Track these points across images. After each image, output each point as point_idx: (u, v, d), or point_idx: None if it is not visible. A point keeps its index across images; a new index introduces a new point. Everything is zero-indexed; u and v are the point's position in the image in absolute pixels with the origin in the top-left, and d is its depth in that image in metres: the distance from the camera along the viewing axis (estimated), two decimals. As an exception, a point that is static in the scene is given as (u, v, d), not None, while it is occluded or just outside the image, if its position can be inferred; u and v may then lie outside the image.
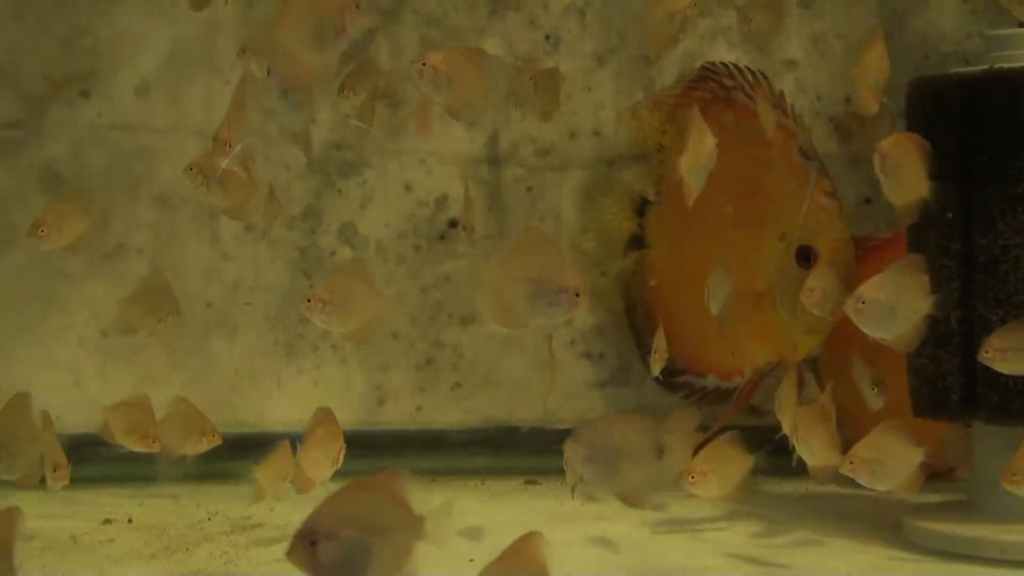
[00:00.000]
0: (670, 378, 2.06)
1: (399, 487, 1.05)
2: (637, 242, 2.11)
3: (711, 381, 2.03)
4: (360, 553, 0.98)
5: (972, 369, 1.61)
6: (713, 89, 2.00)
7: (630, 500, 1.38)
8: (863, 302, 1.51)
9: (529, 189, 2.18)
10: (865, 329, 1.51)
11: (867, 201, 2.11)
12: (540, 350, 2.17)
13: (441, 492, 1.97)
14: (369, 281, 1.66)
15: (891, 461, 1.54)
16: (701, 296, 1.91)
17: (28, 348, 2.07)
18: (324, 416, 1.66)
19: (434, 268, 2.17)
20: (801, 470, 1.65)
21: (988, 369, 1.59)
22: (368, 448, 2.12)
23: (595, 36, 2.17)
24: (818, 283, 1.67)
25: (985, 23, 2.12)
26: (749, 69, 1.98)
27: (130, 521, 1.79)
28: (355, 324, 1.63)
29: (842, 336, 1.86)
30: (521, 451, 2.14)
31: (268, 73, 1.67)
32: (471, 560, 1.56)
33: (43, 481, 1.65)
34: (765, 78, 1.95)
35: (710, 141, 1.66)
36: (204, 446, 1.76)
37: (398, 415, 2.15)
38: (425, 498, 1.07)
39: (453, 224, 2.16)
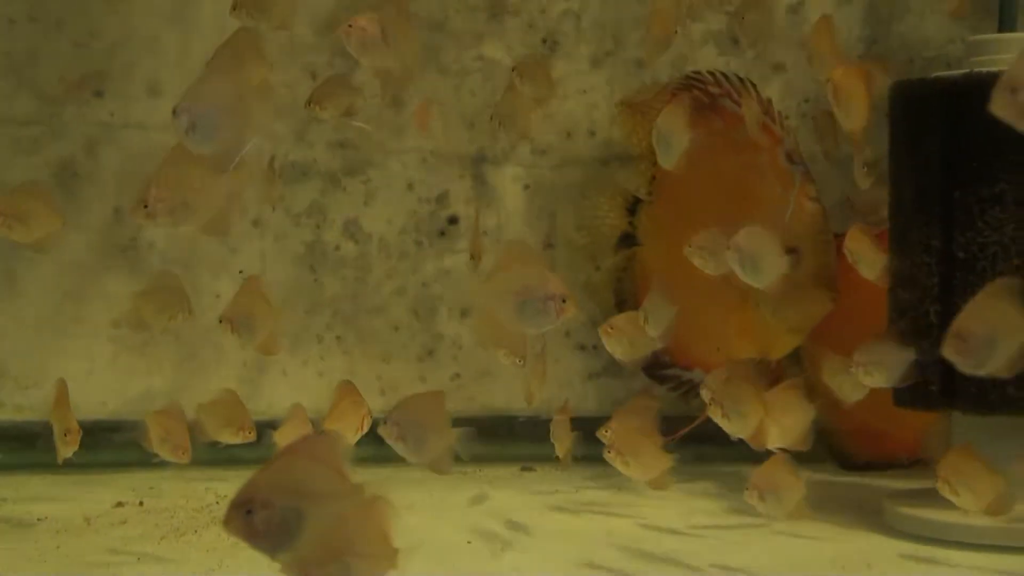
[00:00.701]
0: (658, 371, 2.07)
1: (335, 453, 1.01)
2: (628, 240, 2.11)
3: (697, 375, 2.02)
4: (295, 520, 0.96)
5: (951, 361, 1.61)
6: (699, 96, 2.00)
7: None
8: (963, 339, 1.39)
9: (526, 187, 2.17)
10: (966, 369, 1.41)
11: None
12: (534, 344, 2.17)
13: (440, 478, 1.99)
14: (266, 299, 1.73)
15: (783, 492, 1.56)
16: (689, 293, 1.91)
17: (45, 338, 2.07)
18: (348, 388, 1.71)
19: (435, 263, 2.17)
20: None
21: (967, 361, 1.60)
22: (372, 434, 2.12)
23: (590, 40, 2.16)
24: (620, 322, 1.65)
25: (966, 28, 2.11)
26: (737, 76, 1.98)
27: (141, 504, 1.79)
28: (260, 338, 1.71)
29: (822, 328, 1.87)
30: (517, 439, 2.14)
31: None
32: (468, 542, 1.58)
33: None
34: (753, 85, 1.94)
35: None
36: (238, 439, 1.76)
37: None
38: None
39: (453, 221, 2.16)
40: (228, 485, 1.89)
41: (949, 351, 1.39)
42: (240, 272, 2.08)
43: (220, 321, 1.68)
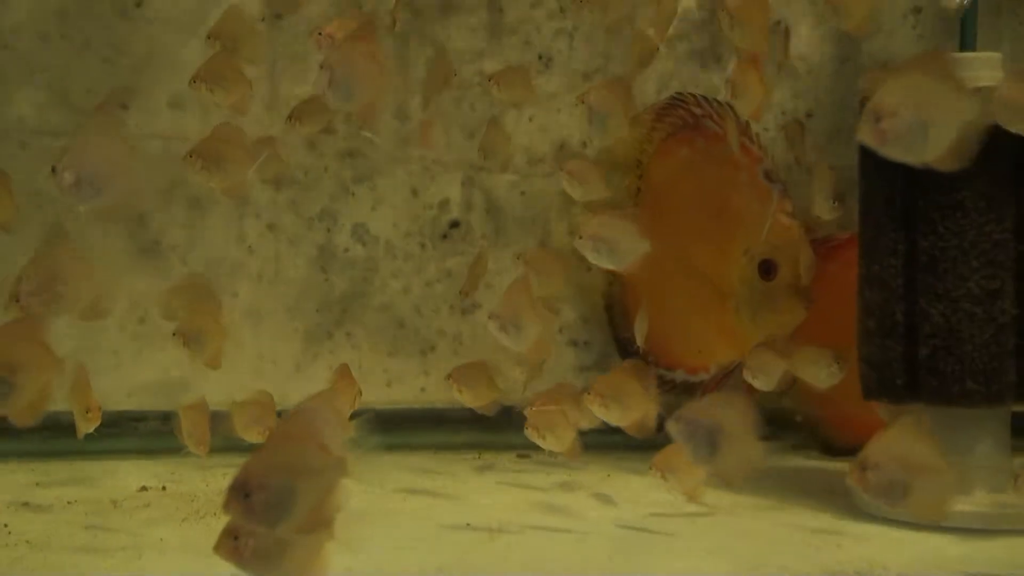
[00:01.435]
0: None
1: (319, 429, 1.04)
2: None
3: (679, 375, 2.03)
4: (289, 496, 0.98)
5: (915, 357, 1.62)
6: (683, 116, 2.01)
7: None
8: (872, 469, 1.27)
9: (522, 193, 2.18)
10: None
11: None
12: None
13: (442, 465, 2.01)
14: (216, 307, 1.74)
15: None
16: (673, 299, 1.92)
17: (74, 334, 2.05)
18: (344, 370, 1.79)
19: (437, 264, 2.17)
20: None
21: (929, 357, 1.60)
22: (377, 424, 2.14)
23: (582, 57, 2.17)
24: (603, 388, 1.62)
25: (930, 47, 2.12)
26: (716, 100, 1.98)
27: (164, 489, 1.80)
28: (211, 351, 1.72)
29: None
30: (514, 428, 2.14)
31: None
32: (467, 524, 1.60)
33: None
34: (731, 108, 1.94)
35: None
36: (260, 439, 1.77)
37: (404, 395, 2.15)
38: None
39: (454, 225, 2.17)
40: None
41: (855, 480, 1.29)
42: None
43: (173, 334, 1.69)
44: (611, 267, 1.67)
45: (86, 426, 1.67)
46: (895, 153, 1.27)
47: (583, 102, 1.71)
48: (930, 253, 1.61)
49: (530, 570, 1.41)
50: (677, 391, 2.01)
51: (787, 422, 2.03)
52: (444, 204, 2.16)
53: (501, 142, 1.97)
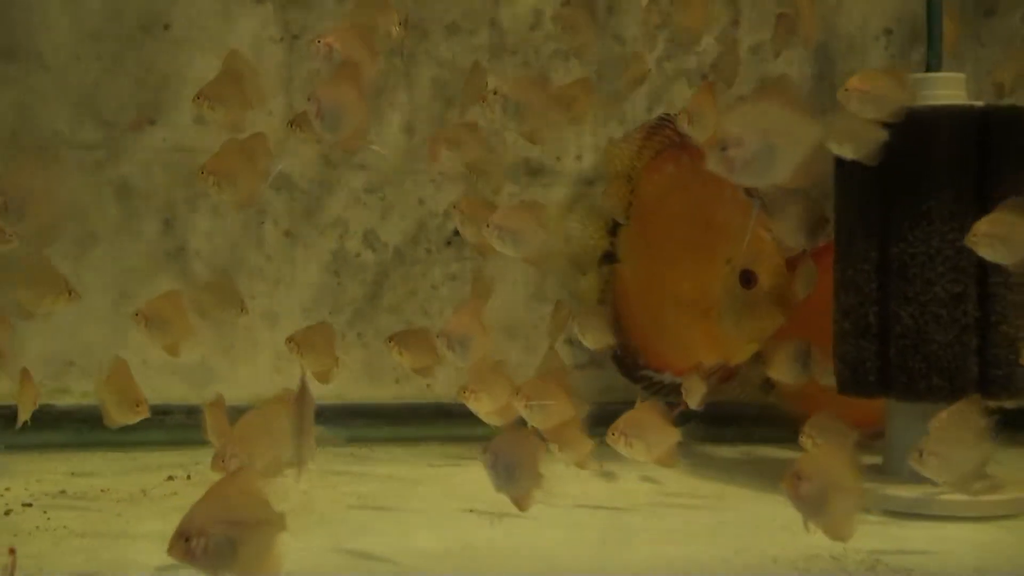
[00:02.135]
0: (634, 372, 2.07)
1: (257, 485, 1.06)
2: (609, 258, 2.10)
3: (667, 377, 2.03)
4: (227, 545, 1.01)
5: (887, 356, 1.64)
6: (670, 135, 2.02)
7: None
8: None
9: (522, 202, 2.19)
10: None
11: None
12: (531, 338, 2.20)
13: (447, 455, 2.03)
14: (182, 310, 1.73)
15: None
16: (662, 305, 1.93)
17: (104, 332, 2.08)
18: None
19: (442, 268, 2.19)
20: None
21: (900, 355, 1.62)
22: (387, 418, 2.16)
23: (577, 76, 2.14)
24: (625, 427, 1.58)
25: (902, 65, 2.14)
26: None
27: (189, 478, 1.81)
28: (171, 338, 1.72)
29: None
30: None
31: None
32: (471, 510, 1.61)
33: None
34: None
35: None
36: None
37: (412, 391, 2.16)
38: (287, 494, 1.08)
39: (458, 232, 2.17)
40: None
41: (785, 485, 1.26)
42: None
43: (136, 314, 1.69)
44: (513, 254, 1.64)
45: (135, 418, 1.67)
46: (744, 180, 1.26)
47: (496, 93, 1.59)
48: (900, 260, 1.63)
49: (528, 551, 1.43)
50: (665, 391, 2.02)
51: (772, 418, 2.04)
52: (449, 213, 2.16)
53: (494, 165, 1.97)
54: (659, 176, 2.04)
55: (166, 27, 2.11)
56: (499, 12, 2.18)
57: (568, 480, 1.83)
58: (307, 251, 2.16)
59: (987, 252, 1.51)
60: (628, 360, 2.06)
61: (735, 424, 2.13)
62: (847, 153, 1.61)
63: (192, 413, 1.86)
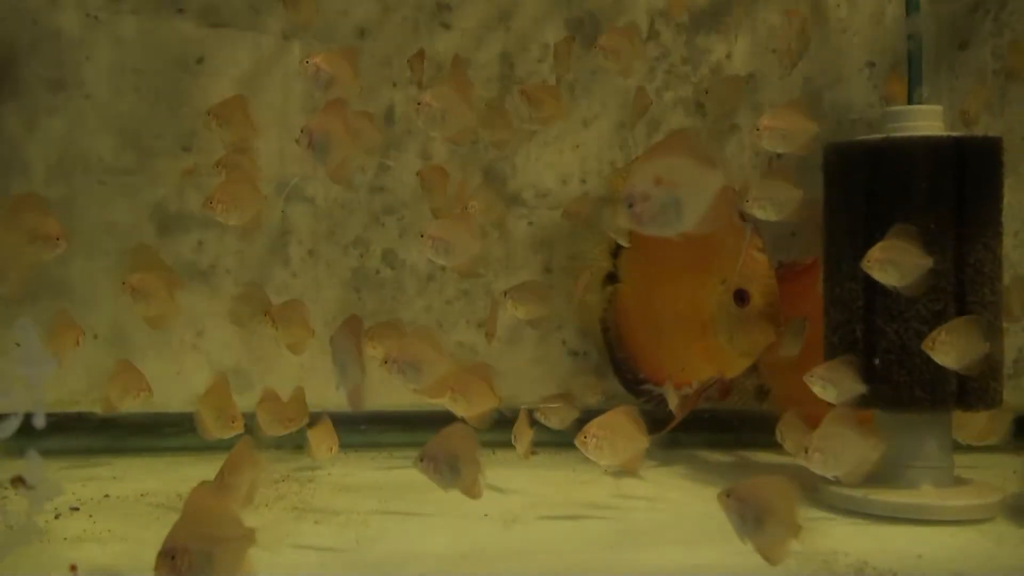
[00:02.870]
0: (634, 385, 2.08)
1: (230, 504, 1.16)
2: (612, 278, 2.11)
3: (666, 390, 2.02)
4: (206, 559, 1.07)
5: (873, 369, 1.65)
6: None
7: None
8: None
9: (530, 223, 2.20)
10: None
11: (792, 234, 2.11)
12: (537, 348, 2.21)
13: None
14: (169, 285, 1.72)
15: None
16: (661, 322, 1.93)
17: (142, 346, 2.09)
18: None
19: (455, 285, 2.20)
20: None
21: (884, 369, 1.64)
22: (403, 424, 2.16)
23: (582, 106, 2.19)
24: (596, 430, 1.55)
25: (881, 95, 2.15)
26: None
27: (223, 482, 1.83)
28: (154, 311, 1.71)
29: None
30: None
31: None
32: (485, 515, 1.62)
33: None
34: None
35: None
36: (285, 430, 1.81)
37: (427, 399, 2.17)
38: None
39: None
40: (288, 466, 1.92)
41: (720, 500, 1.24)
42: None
43: (123, 283, 1.68)
44: (446, 264, 1.62)
45: (230, 433, 1.68)
46: (653, 231, 1.24)
47: (303, 132, 1.50)
48: (884, 280, 1.63)
49: (540, 554, 1.44)
50: (665, 403, 2.03)
51: (765, 423, 2.05)
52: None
53: (494, 201, 1.98)
54: None
55: (199, 61, 2.12)
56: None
57: (575, 486, 1.85)
58: (330, 269, 2.17)
59: (880, 275, 1.54)
60: (629, 374, 2.08)
61: (731, 431, 2.14)
62: (770, 216, 1.66)
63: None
